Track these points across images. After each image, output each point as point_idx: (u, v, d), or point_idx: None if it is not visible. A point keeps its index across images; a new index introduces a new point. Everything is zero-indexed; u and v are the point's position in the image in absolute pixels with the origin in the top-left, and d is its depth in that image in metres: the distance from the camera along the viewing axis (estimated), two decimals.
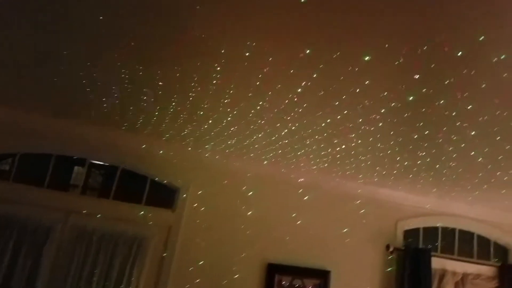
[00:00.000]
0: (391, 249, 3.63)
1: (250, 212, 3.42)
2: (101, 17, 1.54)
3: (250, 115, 2.35)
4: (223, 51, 1.65)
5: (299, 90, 1.94)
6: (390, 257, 3.67)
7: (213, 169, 3.42)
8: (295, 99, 2.06)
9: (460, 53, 1.44)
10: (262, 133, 2.66)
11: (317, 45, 1.54)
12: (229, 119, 2.48)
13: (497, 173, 2.82)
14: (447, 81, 1.65)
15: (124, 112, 2.70)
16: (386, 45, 1.46)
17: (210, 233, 3.30)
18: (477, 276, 3.92)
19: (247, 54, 1.66)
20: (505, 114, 1.90)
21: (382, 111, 2.05)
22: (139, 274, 3.11)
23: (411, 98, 1.84)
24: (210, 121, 2.58)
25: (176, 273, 3.16)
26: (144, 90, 2.20)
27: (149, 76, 2.03)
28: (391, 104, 1.95)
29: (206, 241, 3.28)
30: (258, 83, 1.91)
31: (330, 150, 2.83)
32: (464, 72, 1.56)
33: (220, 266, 3.26)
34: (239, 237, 3.36)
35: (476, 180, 3.09)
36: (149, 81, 2.10)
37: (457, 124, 2.09)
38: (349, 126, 2.32)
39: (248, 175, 3.48)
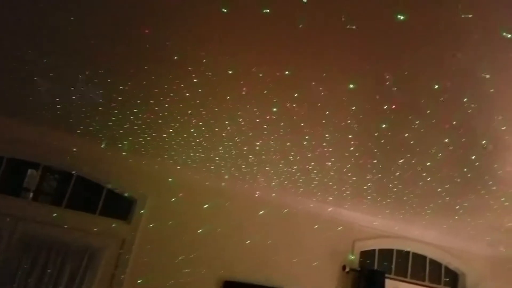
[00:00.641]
0: (347, 270, 3.69)
1: (207, 228, 3.38)
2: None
3: (216, 129, 2.34)
4: (176, 57, 1.61)
5: (260, 112, 1.98)
6: (345, 277, 3.72)
7: (173, 181, 3.36)
8: (257, 120, 2.09)
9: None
10: (225, 148, 2.66)
11: (295, 68, 1.56)
12: (192, 130, 2.46)
13: (451, 202, 2.94)
14: (410, 116, 1.73)
15: (79, 117, 2.60)
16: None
17: (166, 248, 3.22)
18: None
19: (217, 71, 1.67)
20: (461, 152, 2.01)
21: (347, 136, 2.10)
22: (93, 283, 3.00)
23: (381, 126, 1.91)
24: (172, 132, 2.54)
25: (128, 285, 3.07)
26: (98, 92, 2.13)
27: (108, 82, 1.99)
28: (351, 131, 2.01)
29: (161, 256, 3.20)
30: (228, 97, 1.92)
31: (290, 169, 2.87)
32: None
33: (174, 282, 3.19)
34: (195, 253, 3.30)
35: (432, 206, 3.21)
36: (108, 86, 2.05)
37: (416, 152, 2.18)
38: (310, 148, 2.36)
39: (208, 189, 3.44)
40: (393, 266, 4.10)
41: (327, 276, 3.71)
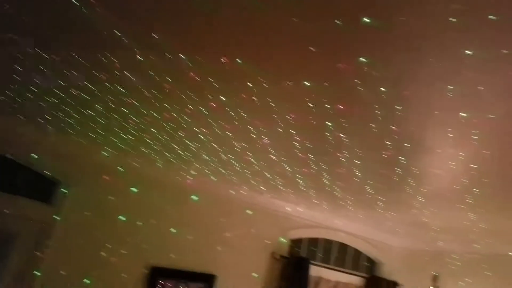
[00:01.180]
0: (276, 257, 3.82)
1: (134, 214, 3.28)
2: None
3: (146, 114, 2.25)
4: (105, 32, 1.51)
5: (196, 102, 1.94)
6: (274, 264, 3.86)
7: (101, 166, 3.18)
8: (193, 108, 2.04)
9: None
10: (157, 136, 2.58)
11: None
12: (120, 113, 2.33)
13: (374, 197, 3.15)
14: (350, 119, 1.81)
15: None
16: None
17: (90, 233, 3.07)
18: (347, 285, 4.34)
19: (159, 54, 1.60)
20: (388, 153, 2.15)
21: (287, 129, 2.14)
22: (5, 271, 2.77)
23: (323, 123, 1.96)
24: (99, 113, 2.39)
25: (47, 273, 2.88)
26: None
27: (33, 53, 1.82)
28: (285, 124, 2.06)
29: (85, 241, 3.03)
30: (165, 85, 1.85)
31: (223, 158, 2.87)
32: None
33: (99, 268, 3.07)
34: (122, 239, 3.19)
35: (357, 201, 3.43)
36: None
37: (344, 149, 2.29)
38: (247, 138, 2.38)
39: (137, 174, 3.33)
40: (318, 254, 4.33)
41: (257, 263, 3.81)
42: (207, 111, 2.07)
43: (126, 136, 2.73)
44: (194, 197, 3.57)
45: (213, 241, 3.61)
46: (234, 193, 3.74)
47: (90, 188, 3.13)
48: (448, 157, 2.10)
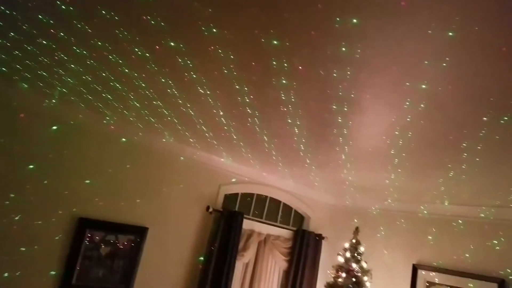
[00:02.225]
0: (210, 210, 3.88)
1: (57, 159, 3.10)
2: None
3: (68, 49, 2.05)
4: None
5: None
6: (208, 217, 3.93)
7: (22, 106, 2.93)
8: (122, 47, 1.91)
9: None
10: (79, 74, 2.39)
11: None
12: (40, 47, 2.10)
13: (305, 156, 3.28)
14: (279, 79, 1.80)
15: None
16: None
17: (10, 181, 2.87)
18: (277, 237, 4.58)
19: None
20: (315, 113, 2.19)
21: (224, 83, 2.09)
22: None
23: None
24: (20, 47, 2.16)
25: None
26: None
27: None
28: (227, 76, 2.01)
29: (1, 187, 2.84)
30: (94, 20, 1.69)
31: (156, 109, 2.78)
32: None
33: (23, 218, 2.90)
34: (47, 187, 3.02)
35: (288, 158, 3.54)
36: None
37: (279, 108, 2.31)
38: (184, 90, 2.31)
39: (58, 118, 3.09)
40: (251, 208, 4.49)
41: (191, 216, 3.85)
42: (139, 54, 1.95)
43: (42, 73, 2.48)
44: (123, 145, 3.44)
45: (145, 193, 3.55)
46: (168, 145, 3.67)
47: (11, 130, 2.88)
48: (377, 120, 2.23)
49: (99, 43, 1.91)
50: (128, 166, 3.46)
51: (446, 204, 3.93)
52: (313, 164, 3.53)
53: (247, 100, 2.30)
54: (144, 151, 3.55)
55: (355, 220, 4.72)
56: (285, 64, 1.76)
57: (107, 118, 3.25)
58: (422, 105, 1.89)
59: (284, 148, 3.20)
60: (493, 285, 3.52)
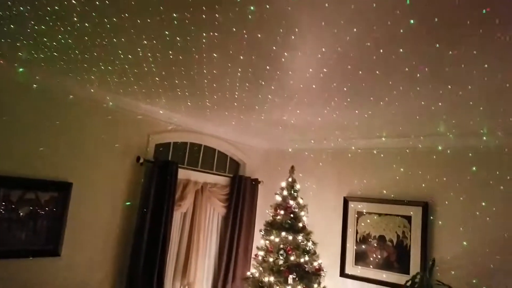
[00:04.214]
0: (141, 161, 3.66)
1: None
2: None
3: None
4: None
5: None
6: (139, 168, 3.71)
7: None
8: None
9: None
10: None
11: None
12: None
13: (239, 98, 3.19)
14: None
15: None
16: None
17: None
18: (214, 185, 4.53)
19: None
20: (247, 55, 2.08)
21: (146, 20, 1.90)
22: None
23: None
24: None
25: None
26: None
27: None
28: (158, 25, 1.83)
29: None
30: None
31: (79, 55, 2.47)
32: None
33: None
34: None
35: (221, 104, 3.44)
36: None
37: (213, 56, 2.19)
38: (112, 32, 2.05)
39: None
40: (186, 157, 4.34)
41: (120, 168, 3.60)
42: None
43: None
44: (35, 92, 3.04)
45: (66, 145, 3.21)
46: (89, 92, 3.31)
47: None
48: (308, 54, 2.21)
49: None
50: (43, 115, 3.07)
51: (373, 137, 4.15)
52: (246, 107, 3.46)
53: (178, 44, 2.13)
54: (61, 98, 3.16)
55: (290, 163, 4.82)
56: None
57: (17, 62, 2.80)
58: (351, 34, 1.88)
59: (216, 91, 3.08)
60: (418, 209, 3.87)
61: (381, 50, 2.02)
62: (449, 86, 2.46)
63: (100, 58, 2.56)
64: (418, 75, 2.30)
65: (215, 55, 2.30)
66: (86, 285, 3.34)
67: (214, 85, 2.89)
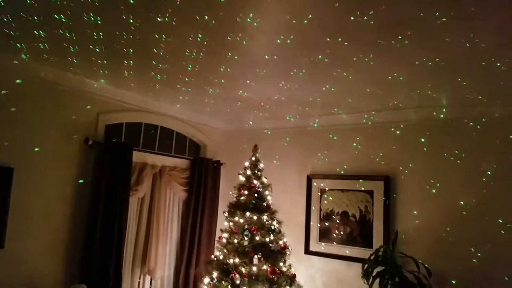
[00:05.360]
0: (90, 143, 3.39)
1: None
2: None
3: None
4: None
5: None
6: (88, 151, 3.43)
7: None
8: None
9: None
10: None
11: None
12: None
13: (198, 78, 3.02)
14: None
15: None
16: None
17: None
18: (174, 168, 4.32)
19: None
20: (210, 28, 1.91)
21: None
22: None
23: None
24: None
25: None
26: None
27: None
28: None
29: None
30: None
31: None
32: None
33: None
34: None
35: (179, 82, 3.24)
36: None
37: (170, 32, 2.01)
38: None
39: None
40: (140, 139, 4.09)
41: (66, 151, 3.30)
42: None
43: None
44: None
45: (6, 126, 2.89)
46: (25, 66, 2.97)
47: None
48: (270, 23, 2.08)
49: None
50: None
51: (332, 113, 4.10)
52: (205, 83, 3.28)
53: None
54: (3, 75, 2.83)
55: (252, 143, 4.69)
56: None
57: None
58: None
59: (172, 66, 2.87)
60: (379, 183, 3.88)
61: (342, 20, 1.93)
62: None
63: (28, 21, 2.25)
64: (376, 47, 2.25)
65: (165, 18, 2.10)
66: (36, 278, 3.07)
67: (162, 57, 2.68)
